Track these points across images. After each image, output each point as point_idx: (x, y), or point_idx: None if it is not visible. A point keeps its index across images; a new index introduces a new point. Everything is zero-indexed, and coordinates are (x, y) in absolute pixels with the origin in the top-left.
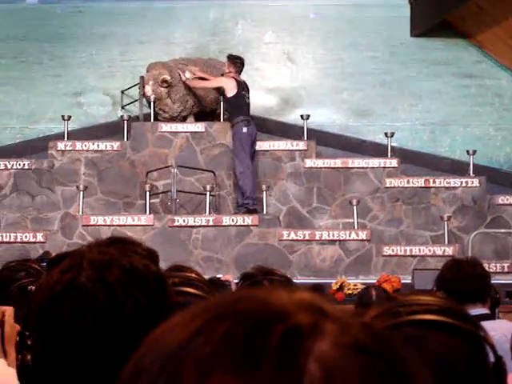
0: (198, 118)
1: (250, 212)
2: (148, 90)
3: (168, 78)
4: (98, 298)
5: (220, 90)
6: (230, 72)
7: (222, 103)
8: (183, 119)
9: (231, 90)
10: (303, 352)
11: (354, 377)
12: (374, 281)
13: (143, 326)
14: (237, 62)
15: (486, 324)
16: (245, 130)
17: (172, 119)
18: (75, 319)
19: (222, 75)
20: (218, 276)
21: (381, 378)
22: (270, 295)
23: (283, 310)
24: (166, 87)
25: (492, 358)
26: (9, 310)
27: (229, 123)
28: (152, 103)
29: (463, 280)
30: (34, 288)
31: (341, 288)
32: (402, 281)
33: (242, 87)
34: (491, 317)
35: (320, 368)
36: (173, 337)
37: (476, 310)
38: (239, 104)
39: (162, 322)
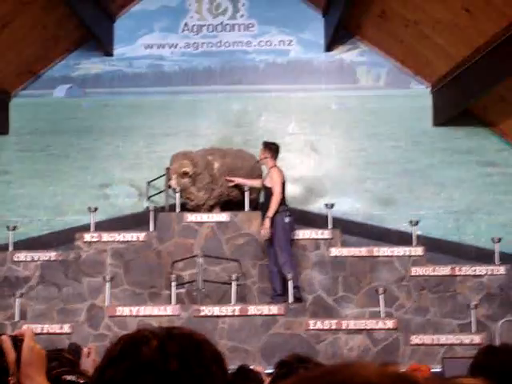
0: (224, 207)
1: (297, 301)
2: (173, 183)
3: (188, 170)
4: (155, 366)
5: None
6: (265, 158)
7: (246, 193)
8: (210, 208)
9: (280, 182)
10: None
11: None
12: (403, 370)
13: None
14: (272, 148)
15: None
16: (287, 220)
17: (198, 207)
18: (128, 383)
19: (258, 162)
20: (250, 366)
21: None
22: (362, 368)
23: (377, 381)
24: (189, 177)
25: None
26: (28, 331)
27: (254, 212)
28: (177, 194)
29: (500, 366)
30: (68, 378)
31: None
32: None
33: (284, 176)
34: None
35: None
36: None
37: None
38: (282, 194)
39: None
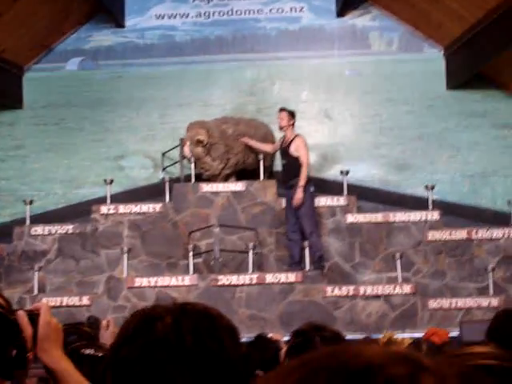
0: (239, 177)
1: (319, 268)
2: (186, 150)
3: (202, 138)
4: (170, 342)
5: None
6: (290, 125)
7: (261, 162)
8: (226, 178)
9: (307, 151)
10: None
11: None
12: (421, 334)
13: (211, 373)
14: (294, 115)
15: None
16: (312, 189)
17: (214, 177)
18: (143, 360)
19: (281, 128)
20: (268, 335)
21: None
22: (365, 349)
23: (380, 362)
24: (203, 147)
25: None
26: (44, 306)
27: (269, 181)
28: (192, 164)
29: None
30: (87, 351)
31: (389, 342)
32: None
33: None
34: None
35: None
36: None
37: None
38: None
39: (231, 372)
